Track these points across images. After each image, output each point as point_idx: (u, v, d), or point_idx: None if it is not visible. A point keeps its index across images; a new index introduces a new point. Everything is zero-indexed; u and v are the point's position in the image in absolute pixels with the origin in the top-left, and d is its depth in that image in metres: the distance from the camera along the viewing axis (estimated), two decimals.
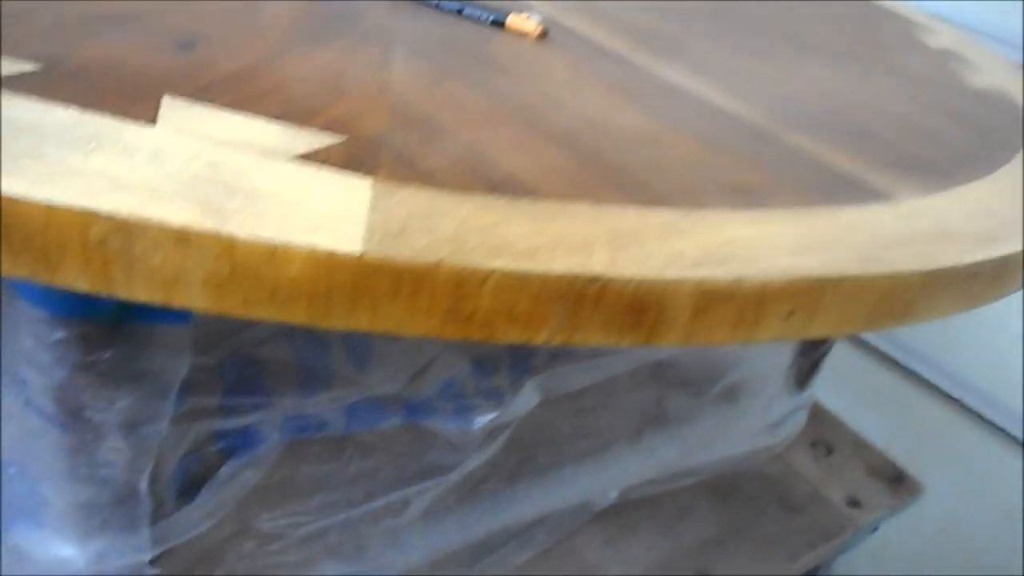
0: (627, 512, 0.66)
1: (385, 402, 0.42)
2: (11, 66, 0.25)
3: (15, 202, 0.19)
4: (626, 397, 0.60)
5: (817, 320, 0.25)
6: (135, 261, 0.20)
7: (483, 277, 0.21)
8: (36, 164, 0.20)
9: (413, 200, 0.23)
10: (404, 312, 0.21)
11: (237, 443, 0.38)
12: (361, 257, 0.20)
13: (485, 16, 0.41)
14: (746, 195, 0.28)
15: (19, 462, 0.31)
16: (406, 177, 0.24)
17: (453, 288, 0.21)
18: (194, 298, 0.20)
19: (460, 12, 0.41)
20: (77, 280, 0.20)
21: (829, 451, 0.81)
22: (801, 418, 0.76)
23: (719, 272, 0.23)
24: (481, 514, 0.53)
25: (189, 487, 0.38)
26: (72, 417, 0.29)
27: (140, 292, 0.20)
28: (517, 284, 0.21)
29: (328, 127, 0.26)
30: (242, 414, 0.36)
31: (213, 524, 0.37)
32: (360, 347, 0.39)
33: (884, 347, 0.97)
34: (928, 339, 0.93)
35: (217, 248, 0.20)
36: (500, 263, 0.21)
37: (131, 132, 0.23)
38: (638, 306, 0.22)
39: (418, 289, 0.21)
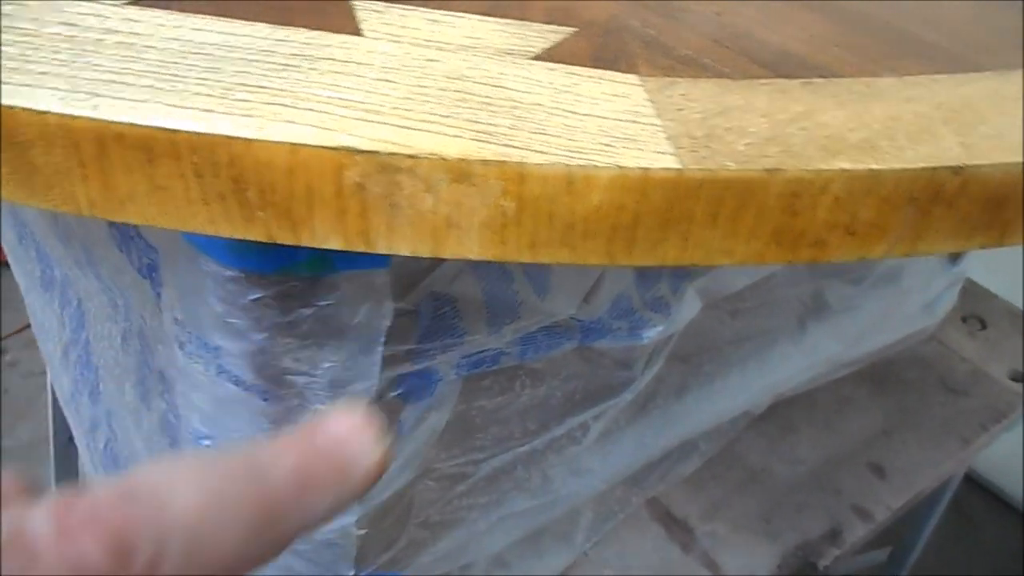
0: (784, 411, 0.62)
1: (559, 327, 0.39)
2: None
3: (248, 145, 0.15)
4: (784, 292, 0.55)
5: None
6: (401, 206, 0.16)
7: (824, 183, 0.16)
8: (253, 96, 0.16)
9: (697, 95, 0.18)
10: (723, 237, 0.17)
11: (415, 386, 0.35)
12: (680, 173, 0.16)
13: None
14: None
15: (213, 434, 0.29)
16: (672, 68, 0.19)
17: (788, 202, 0.16)
18: (471, 246, 0.16)
19: None
20: (329, 237, 0.16)
21: (983, 325, 0.75)
22: (954, 295, 0.71)
23: None
24: (655, 430, 0.50)
25: None
26: (274, 383, 0.26)
27: (404, 245, 0.16)
28: (864, 188, 0.16)
29: (551, 18, 0.21)
30: (425, 356, 0.33)
31: (412, 475, 0.35)
32: (539, 272, 0.35)
33: None
34: None
35: (503, 181, 0.15)
36: (843, 163, 0.16)
37: (340, 45, 0.19)
38: (998, 199, 0.18)
39: (743, 207, 0.16)
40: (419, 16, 0.21)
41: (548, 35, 0.20)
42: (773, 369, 0.56)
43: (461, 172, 0.15)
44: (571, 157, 0.16)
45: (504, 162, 0.15)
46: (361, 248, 0.17)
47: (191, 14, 0.19)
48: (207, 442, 0.29)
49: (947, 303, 0.70)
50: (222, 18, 0.19)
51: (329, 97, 0.17)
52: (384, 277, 0.26)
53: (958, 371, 0.70)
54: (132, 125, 0.15)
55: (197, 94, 0.16)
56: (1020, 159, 0.17)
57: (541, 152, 0.16)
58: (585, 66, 0.19)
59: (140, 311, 0.32)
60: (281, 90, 0.17)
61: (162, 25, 0.19)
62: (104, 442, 0.40)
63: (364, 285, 0.25)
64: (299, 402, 0.27)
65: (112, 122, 0.15)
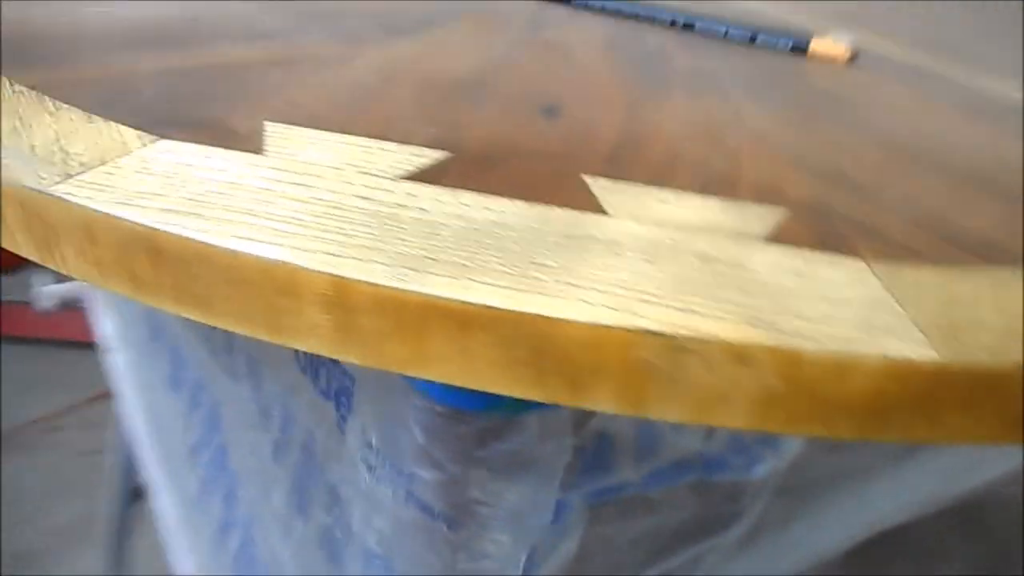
0: (874, 548, 0.62)
1: (686, 460, 0.40)
2: (422, 156, 0.24)
3: (552, 321, 0.17)
4: None
5: None
6: (679, 382, 0.18)
7: None
8: (546, 275, 0.19)
9: (924, 282, 0.20)
10: (968, 422, 0.18)
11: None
12: (941, 364, 0.17)
13: (783, 42, 0.38)
14: None
15: (387, 556, 0.30)
16: (888, 253, 0.21)
17: None
18: (735, 417, 0.18)
19: (753, 40, 0.39)
20: (605, 402, 0.18)
21: None
22: None
23: None
24: (762, 564, 0.50)
25: None
26: (460, 512, 0.27)
27: (674, 413, 0.18)
28: None
29: (760, 197, 0.24)
30: (576, 489, 0.34)
31: None
32: None
33: None
34: None
35: (778, 364, 0.17)
36: None
37: (593, 225, 0.21)
38: None
39: (991, 396, 0.18)
40: (647, 195, 0.23)
41: (765, 216, 0.23)
42: (872, 505, 0.56)
43: (741, 355, 0.17)
44: (838, 343, 0.17)
45: (780, 347, 0.17)
46: (630, 414, 0.18)
47: (455, 189, 0.22)
48: (379, 562, 0.30)
49: None
50: (480, 194, 0.22)
51: (607, 277, 0.19)
52: (566, 416, 0.28)
53: None
54: (453, 300, 0.18)
55: (498, 271, 0.18)
56: None
57: (810, 338, 0.17)
58: (811, 249, 0.21)
59: (310, 428, 0.33)
60: (565, 269, 0.19)
61: (439, 201, 0.21)
62: (239, 544, 0.41)
63: (550, 423, 0.27)
64: (479, 531, 0.28)
65: (436, 296, 0.18)
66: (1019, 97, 0.36)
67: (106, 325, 0.84)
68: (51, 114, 0.24)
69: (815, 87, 0.34)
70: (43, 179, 0.21)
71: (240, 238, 0.19)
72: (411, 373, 0.19)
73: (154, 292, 0.20)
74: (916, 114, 0.32)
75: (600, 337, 0.17)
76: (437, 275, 0.18)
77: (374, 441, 0.28)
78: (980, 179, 0.27)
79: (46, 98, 0.25)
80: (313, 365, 0.32)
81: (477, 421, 0.26)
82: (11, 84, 0.26)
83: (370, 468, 0.28)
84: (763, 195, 0.24)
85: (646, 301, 0.18)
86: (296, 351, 0.34)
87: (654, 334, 0.17)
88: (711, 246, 0.21)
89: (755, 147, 0.27)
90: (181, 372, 0.52)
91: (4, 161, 0.21)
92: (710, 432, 0.40)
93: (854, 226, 0.23)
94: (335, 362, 0.30)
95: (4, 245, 0.22)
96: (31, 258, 0.22)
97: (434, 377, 0.19)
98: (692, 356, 0.17)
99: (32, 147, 0.22)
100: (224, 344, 0.42)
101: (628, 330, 0.17)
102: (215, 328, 0.43)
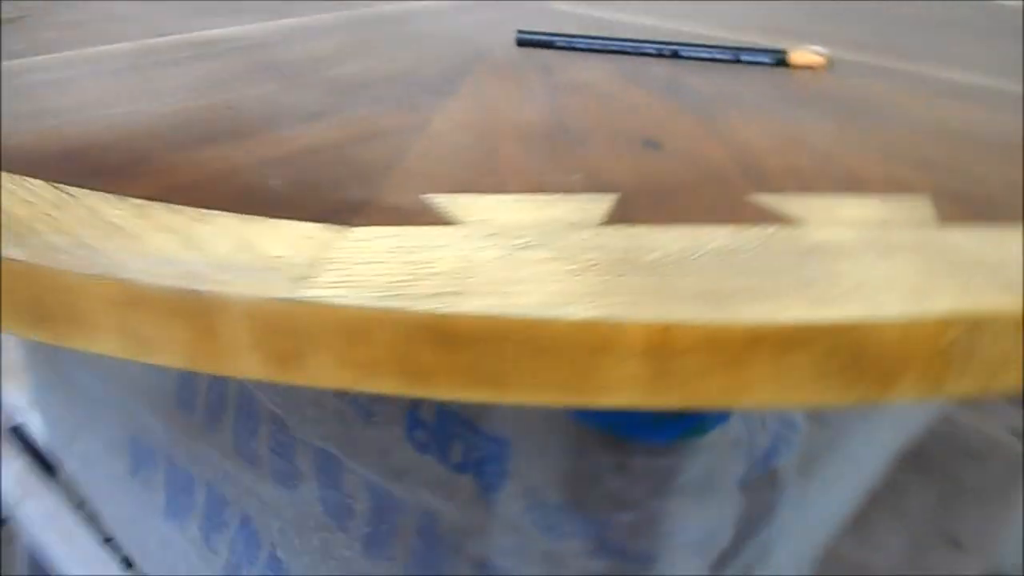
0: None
1: (759, 457, 0.42)
2: (597, 201, 0.24)
3: (865, 326, 0.19)
4: None
5: None
6: (973, 358, 0.19)
7: None
8: (819, 285, 0.20)
9: None
10: None
11: None
12: None
13: (765, 58, 0.42)
14: None
15: None
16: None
17: None
18: (1016, 380, 0.20)
19: (737, 59, 0.42)
20: (909, 391, 0.19)
21: None
22: None
23: None
24: (801, 545, 0.53)
25: None
26: (654, 547, 0.27)
27: (965, 387, 0.20)
28: None
29: (893, 189, 0.26)
30: None
31: None
32: None
33: None
34: None
35: None
36: None
37: (810, 235, 0.22)
38: None
39: None
40: (812, 202, 0.25)
41: (917, 204, 0.25)
42: (863, 466, 0.61)
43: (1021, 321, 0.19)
44: None
45: None
46: (928, 395, 0.20)
47: (659, 226, 0.22)
48: None
49: None
50: (687, 225, 0.23)
51: (872, 278, 0.20)
52: (729, 434, 0.28)
53: (972, 440, 0.77)
54: (768, 324, 0.18)
55: (781, 290, 0.19)
56: None
57: None
58: (978, 224, 0.24)
59: (432, 508, 0.32)
60: (831, 276, 0.20)
61: (661, 239, 0.22)
62: None
63: (721, 441, 0.28)
64: (672, 563, 0.28)
65: (752, 323, 0.18)
66: (992, 83, 0.41)
67: (8, 475, 0.75)
68: (201, 222, 0.22)
69: (828, 94, 0.37)
70: (277, 286, 0.19)
71: (533, 305, 0.18)
72: (729, 405, 0.19)
73: (439, 380, 0.19)
74: (923, 105, 0.36)
75: (907, 332, 0.19)
76: (741, 303, 0.19)
77: (544, 498, 0.28)
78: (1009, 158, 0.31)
79: (180, 207, 0.23)
80: (439, 441, 0.31)
81: (668, 452, 0.26)
82: (129, 200, 0.23)
83: (546, 528, 0.28)
84: (894, 187, 0.26)
85: (921, 292, 0.20)
86: (408, 435, 0.32)
87: (953, 319, 0.19)
88: (911, 237, 0.23)
89: (845, 149, 0.30)
90: (183, 498, 0.48)
91: (209, 274, 0.19)
92: (763, 423, 0.43)
93: (985, 200, 0.25)
94: (474, 431, 0.29)
95: (223, 371, 0.19)
96: (255, 376, 0.20)
97: (752, 405, 0.19)
98: (984, 332, 0.19)
99: (223, 256, 0.20)
100: (278, 449, 0.39)
101: (930, 320, 0.19)
102: (258, 433, 0.40)
